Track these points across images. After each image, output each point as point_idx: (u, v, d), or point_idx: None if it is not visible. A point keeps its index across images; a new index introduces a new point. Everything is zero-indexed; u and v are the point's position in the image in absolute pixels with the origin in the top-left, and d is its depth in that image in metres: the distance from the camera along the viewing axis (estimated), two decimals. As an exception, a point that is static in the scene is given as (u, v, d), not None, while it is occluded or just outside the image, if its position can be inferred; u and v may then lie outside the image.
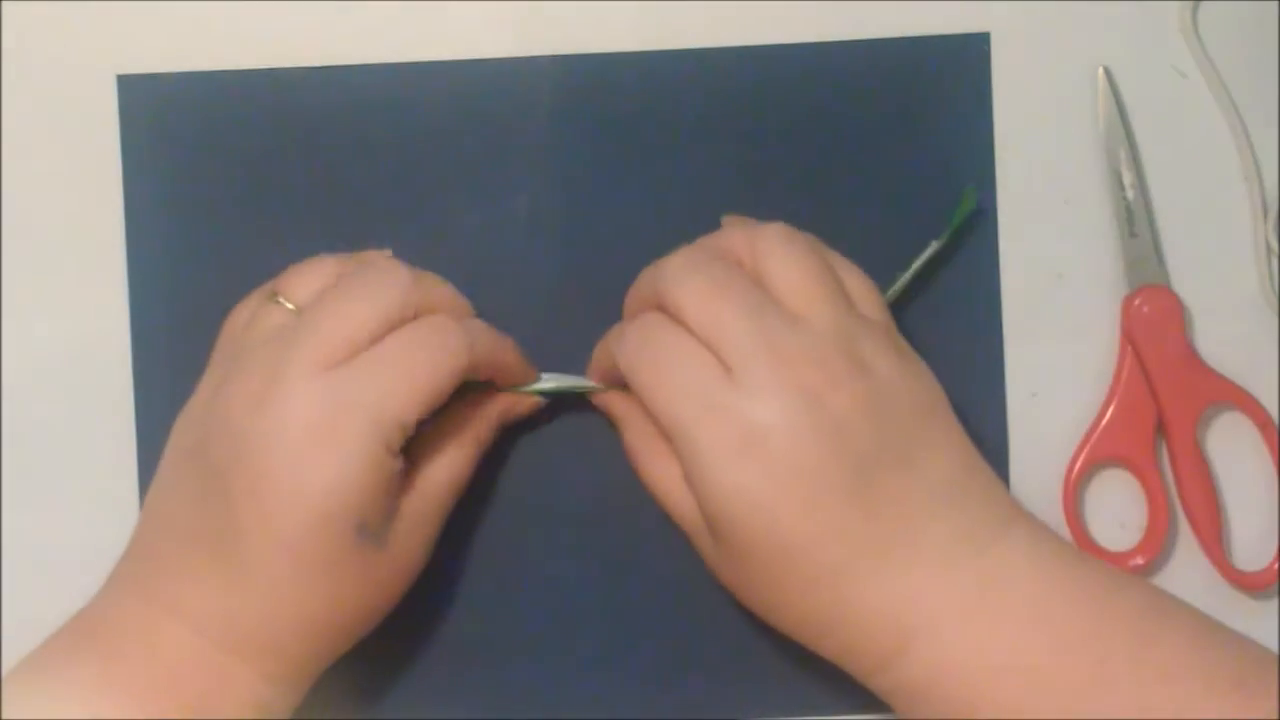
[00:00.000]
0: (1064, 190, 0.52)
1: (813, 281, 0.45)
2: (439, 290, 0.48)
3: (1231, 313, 0.51)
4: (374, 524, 0.44)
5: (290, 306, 0.47)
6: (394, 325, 0.45)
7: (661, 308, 0.46)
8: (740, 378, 0.43)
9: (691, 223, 0.50)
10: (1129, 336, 0.51)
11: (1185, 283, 0.51)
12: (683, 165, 0.52)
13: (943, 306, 0.51)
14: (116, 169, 0.52)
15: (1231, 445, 0.51)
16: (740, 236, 0.47)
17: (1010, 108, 0.51)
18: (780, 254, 0.46)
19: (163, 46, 0.52)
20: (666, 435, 0.45)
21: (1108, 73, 0.51)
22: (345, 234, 0.51)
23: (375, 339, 0.45)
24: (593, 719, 0.51)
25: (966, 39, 0.51)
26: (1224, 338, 0.51)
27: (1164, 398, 0.50)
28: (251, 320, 0.47)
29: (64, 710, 0.43)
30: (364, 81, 0.52)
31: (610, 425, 0.50)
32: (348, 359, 0.44)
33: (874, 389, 0.44)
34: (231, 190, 0.52)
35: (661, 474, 0.47)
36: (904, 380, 0.45)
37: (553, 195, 0.52)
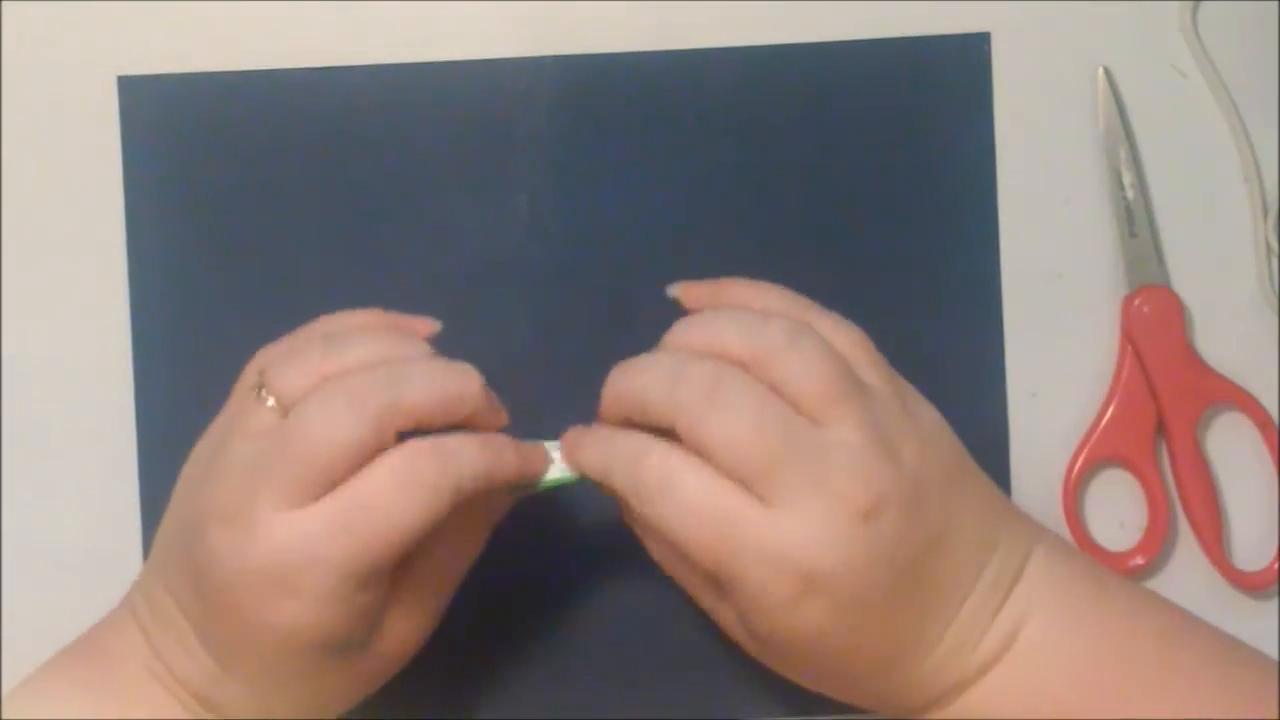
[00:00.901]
0: (1064, 190, 0.52)
1: (833, 383, 0.42)
2: (436, 400, 0.43)
3: (1231, 313, 0.51)
4: (353, 643, 0.43)
5: (272, 404, 0.43)
6: (381, 442, 0.42)
7: (673, 429, 0.42)
8: (785, 514, 0.41)
9: (692, 223, 0.51)
10: (1129, 336, 0.51)
11: (1185, 283, 0.51)
12: (683, 165, 0.52)
13: (943, 306, 0.51)
14: (117, 170, 0.52)
15: (1231, 445, 0.51)
16: (734, 336, 0.43)
17: (1011, 107, 0.51)
18: (791, 359, 0.42)
19: (164, 48, 0.52)
20: (710, 576, 0.43)
21: (1108, 73, 0.51)
22: (346, 235, 0.51)
23: (356, 466, 0.42)
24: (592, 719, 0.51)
25: (967, 39, 0.51)
26: (1224, 338, 0.51)
27: (1164, 398, 0.50)
28: (239, 412, 0.44)
29: None
30: (365, 82, 0.52)
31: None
32: (319, 493, 0.41)
33: (911, 485, 0.42)
34: (232, 191, 0.52)
35: (697, 591, 0.46)
36: (928, 452, 0.43)
37: (553, 195, 0.52)
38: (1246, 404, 0.51)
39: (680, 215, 0.51)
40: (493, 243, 0.52)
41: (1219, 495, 0.51)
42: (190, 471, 0.45)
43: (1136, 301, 0.51)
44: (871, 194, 0.51)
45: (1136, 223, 0.51)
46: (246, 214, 0.52)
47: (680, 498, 0.42)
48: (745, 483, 0.41)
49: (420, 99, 0.52)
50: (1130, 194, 0.51)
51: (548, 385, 0.51)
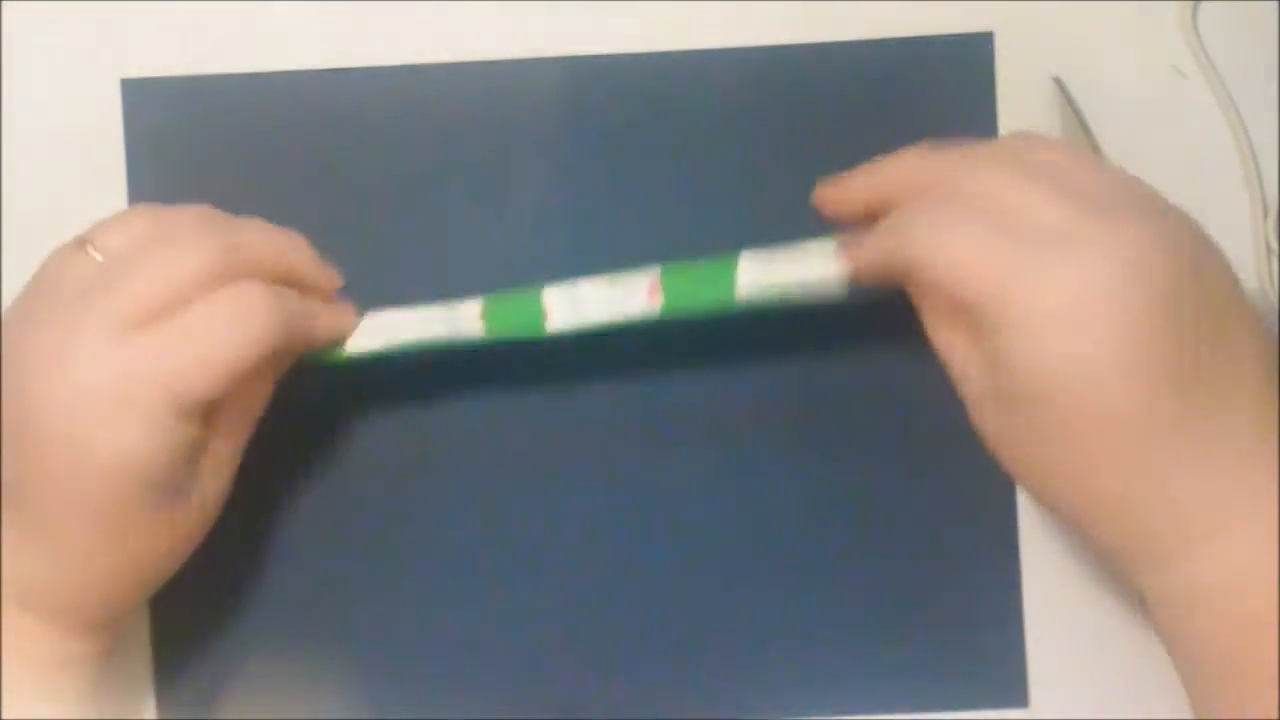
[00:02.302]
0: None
1: (1080, 159, 0.43)
2: (267, 251, 0.45)
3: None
4: (170, 484, 0.43)
5: (99, 258, 0.44)
6: (204, 288, 0.43)
7: (952, 188, 0.43)
8: (1061, 242, 0.40)
9: (696, 223, 0.51)
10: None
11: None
12: (687, 166, 0.52)
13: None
14: (121, 173, 0.52)
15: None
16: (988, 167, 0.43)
17: (1012, 107, 0.52)
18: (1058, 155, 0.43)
19: (167, 50, 0.52)
20: (969, 308, 0.41)
21: (1059, 84, 0.51)
22: (351, 237, 0.51)
23: (179, 303, 0.42)
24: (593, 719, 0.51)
25: (970, 39, 0.52)
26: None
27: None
28: (58, 265, 0.45)
29: None
30: (370, 84, 0.52)
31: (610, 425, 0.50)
32: (146, 324, 0.42)
33: (1186, 258, 0.41)
34: (237, 193, 0.51)
35: (948, 341, 0.44)
36: (1199, 250, 0.42)
37: (558, 197, 0.52)
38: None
39: (683, 216, 0.51)
40: (498, 245, 0.52)
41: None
42: None
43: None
44: (873, 195, 0.52)
45: None
46: (250, 216, 0.51)
47: (955, 227, 0.42)
48: (1029, 230, 0.41)
49: (425, 101, 0.52)
50: None
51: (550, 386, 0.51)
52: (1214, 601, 0.41)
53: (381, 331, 0.47)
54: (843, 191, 0.47)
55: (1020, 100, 0.52)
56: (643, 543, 0.51)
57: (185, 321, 0.42)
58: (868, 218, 0.45)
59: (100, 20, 0.52)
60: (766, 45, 0.52)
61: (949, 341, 0.44)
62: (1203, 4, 0.52)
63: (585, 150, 0.52)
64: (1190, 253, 0.41)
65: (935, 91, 0.52)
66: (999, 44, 0.52)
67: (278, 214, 0.51)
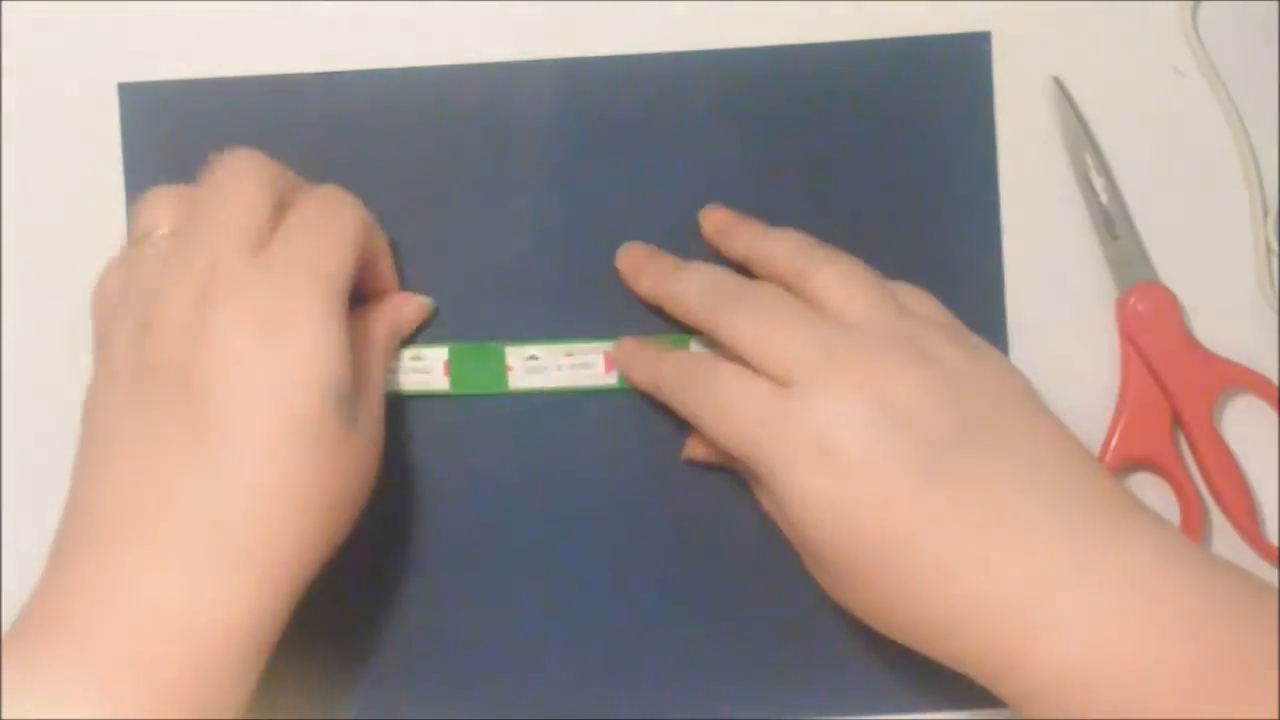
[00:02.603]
0: (1065, 190, 0.52)
1: (865, 291, 0.45)
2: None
3: (1230, 314, 0.51)
4: (347, 392, 0.44)
5: (163, 231, 0.45)
6: (286, 203, 0.45)
7: (702, 329, 0.47)
8: (801, 389, 0.43)
9: (694, 224, 0.51)
10: (1128, 336, 0.51)
11: (1184, 284, 0.51)
12: (684, 167, 0.52)
13: (945, 308, 0.51)
14: (118, 177, 0.52)
15: (1248, 427, 0.51)
16: (781, 254, 0.47)
17: (1012, 107, 0.51)
18: (828, 271, 0.46)
19: (164, 53, 0.52)
20: (749, 468, 0.45)
21: (1059, 83, 0.51)
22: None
23: (279, 217, 0.45)
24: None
25: (967, 38, 0.51)
26: (1223, 339, 0.51)
27: (1174, 391, 0.50)
28: (131, 269, 0.46)
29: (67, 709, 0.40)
30: (368, 87, 0.52)
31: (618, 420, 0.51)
32: (265, 239, 0.44)
33: (942, 375, 0.43)
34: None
35: (765, 503, 0.48)
36: (975, 367, 0.44)
37: (556, 199, 0.52)
38: (1258, 384, 0.50)
39: (682, 217, 0.51)
40: (496, 247, 0.51)
41: (1245, 479, 0.50)
42: (101, 394, 0.45)
43: (1131, 300, 0.51)
44: (872, 194, 0.51)
45: (1117, 225, 0.51)
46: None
47: (716, 388, 0.44)
48: (775, 375, 0.43)
49: (422, 103, 0.52)
50: (1104, 198, 0.51)
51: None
52: (1071, 701, 0.40)
53: None
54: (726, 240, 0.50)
55: (1018, 100, 0.51)
56: (644, 544, 0.51)
57: (298, 220, 0.45)
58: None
59: (97, 24, 0.52)
60: (765, 45, 0.52)
61: (763, 503, 0.48)
62: (1202, 4, 0.52)
63: (583, 152, 0.52)
64: (932, 370, 0.43)
65: (933, 91, 0.52)
66: (997, 44, 0.52)
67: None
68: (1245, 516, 0.50)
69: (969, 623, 0.41)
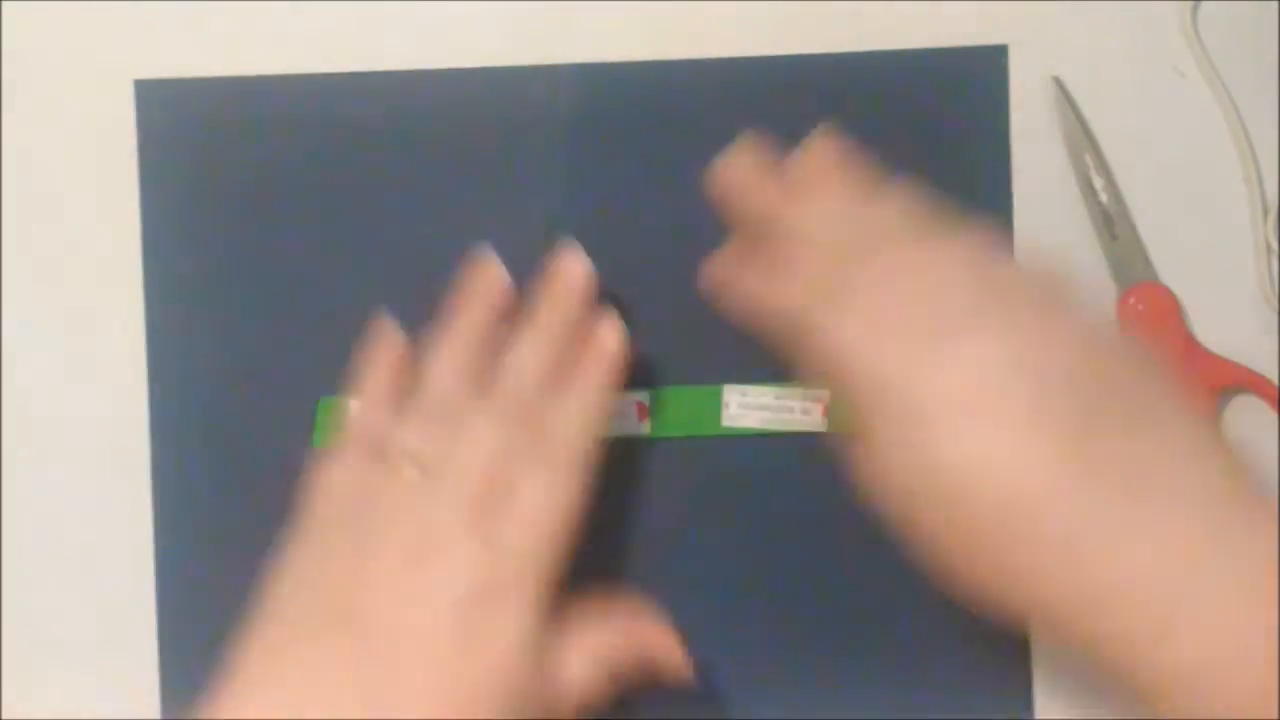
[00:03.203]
0: (1065, 190, 0.52)
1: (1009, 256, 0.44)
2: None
3: (1231, 314, 0.51)
4: (533, 704, 0.43)
5: (414, 472, 0.45)
6: (513, 462, 0.44)
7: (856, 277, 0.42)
8: (958, 328, 0.40)
9: (709, 234, 0.50)
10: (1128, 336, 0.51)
11: (1184, 284, 0.51)
12: (698, 175, 0.51)
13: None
14: (133, 174, 0.52)
15: (1249, 428, 0.51)
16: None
17: (1012, 107, 0.52)
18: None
19: (181, 51, 0.52)
20: (876, 403, 0.41)
21: (1058, 83, 0.51)
22: (362, 240, 0.52)
23: (509, 475, 0.44)
24: None
25: (983, 51, 0.52)
26: (1224, 339, 0.51)
27: (1176, 392, 0.50)
28: (366, 480, 0.45)
29: None
30: (385, 88, 0.52)
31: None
32: (491, 506, 0.43)
33: (1095, 336, 0.41)
34: (249, 196, 0.52)
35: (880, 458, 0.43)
36: (1121, 337, 0.43)
37: (570, 205, 0.52)
38: (1258, 384, 0.50)
39: (697, 225, 0.51)
40: (508, 251, 0.51)
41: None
42: (300, 589, 0.44)
43: (1131, 300, 0.51)
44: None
45: (1117, 225, 0.51)
46: (263, 219, 0.52)
47: (861, 310, 0.41)
48: (931, 312, 0.41)
49: (436, 106, 0.52)
50: (1104, 198, 0.51)
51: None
52: (1218, 684, 0.38)
53: None
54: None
55: (1017, 100, 0.52)
56: (647, 548, 0.51)
57: (527, 503, 0.44)
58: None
59: (114, 21, 0.52)
60: (780, 55, 0.52)
61: (874, 459, 0.42)
62: (1202, 4, 0.52)
63: (594, 158, 0.52)
64: (1086, 339, 0.41)
65: (948, 103, 0.52)
66: (1013, 55, 0.52)
67: (288, 215, 0.52)
68: (1242, 515, 0.50)
69: (1113, 598, 0.38)
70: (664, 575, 0.49)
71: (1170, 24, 0.52)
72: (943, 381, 0.39)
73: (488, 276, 0.48)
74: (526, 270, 0.51)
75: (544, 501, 0.44)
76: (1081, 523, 0.38)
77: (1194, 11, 0.52)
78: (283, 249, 0.52)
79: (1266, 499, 0.40)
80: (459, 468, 0.44)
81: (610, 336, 0.47)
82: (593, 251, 0.51)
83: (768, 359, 0.49)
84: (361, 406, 0.47)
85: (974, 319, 0.40)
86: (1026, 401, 0.39)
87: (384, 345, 0.48)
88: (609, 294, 0.51)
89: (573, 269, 0.48)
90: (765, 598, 0.51)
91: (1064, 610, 0.39)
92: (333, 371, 0.50)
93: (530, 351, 0.46)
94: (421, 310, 0.49)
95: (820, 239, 0.44)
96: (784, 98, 0.52)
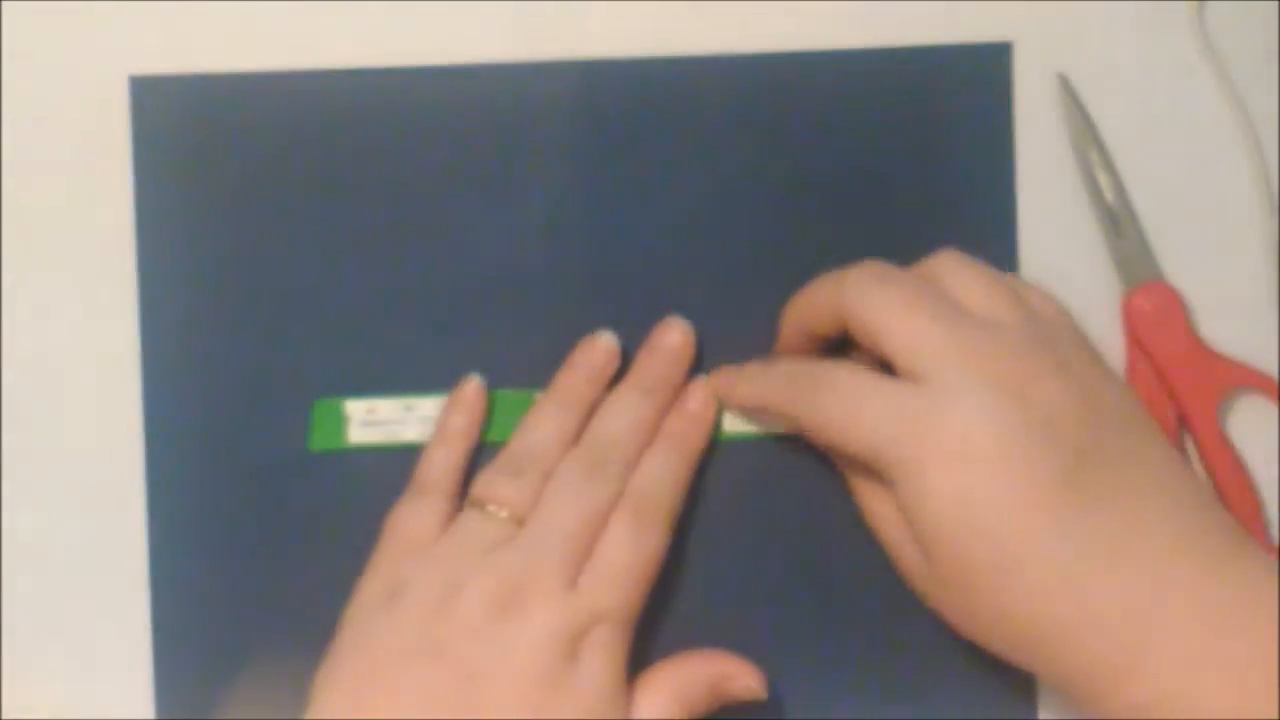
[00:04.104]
0: (1071, 188, 0.52)
1: (997, 291, 0.45)
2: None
3: (1237, 314, 0.51)
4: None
5: (505, 515, 0.46)
6: (604, 515, 0.46)
7: (848, 321, 0.45)
8: (937, 385, 0.42)
9: (710, 230, 0.50)
10: (1134, 335, 0.51)
11: (1189, 283, 0.51)
12: (701, 172, 0.51)
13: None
14: (127, 171, 0.51)
15: (1254, 428, 0.51)
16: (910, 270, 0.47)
17: (1017, 104, 0.51)
18: (958, 270, 0.46)
19: (176, 47, 0.52)
20: (874, 468, 0.44)
21: (1064, 80, 0.51)
22: (360, 239, 0.51)
23: (597, 528, 0.45)
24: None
25: (988, 49, 0.51)
26: (1229, 339, 0.51)
27: (1180, 391, 0.50)
28: (452, 528, 0.46)
29: None
30: (383, 85, 0.51)
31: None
32: (579, 558, 0.45)
33: (1078, 384, 0.43)
34: (245, 194, 0.51)
35: (870, 508, 0.47)
36: (1103, 381, 0.44)
37: (571, 202, 0.51)
38: (1264, 384, 0.50)
39: (698, 223, 0.51)
40: (509, 249, 0.51)
41: (1251, 478, 0.50)
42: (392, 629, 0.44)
43: (1136, 299, 0.51)
44: (889, 201, 0.51)
45: (1122, 223, 0.51)
46: (259, 216, 0.51)
47: (835, 388, 0.44)
48: (911, 370, 0.43)
49: (435, 103, 0.52)
50: (1109, 196, 0.51)
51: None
52: (1177, 714, 0.40)
53: (382, 428, 0.50)
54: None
55: (1023, 98, 0.51)
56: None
57: (612, 558, 0.45)
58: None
59: (108, 17, 0.52)
60: (783, 51, 0.51)
61: (871, 509, 0.47)
62: (1210, 3, 0.52)
63: (596, 155, 0.51)
64: (1068, 378, 0.43)
65: (952, 100, 0.51)
66: (1017, 52, 0.51)
67: (285, 213, 0.51)
68: (1250, 516, 0.50)
69: (1084, 634, 0.41)
70: (664, 577, 0.49)
71: (1177, 21, 0.52)
72: (928, 433, 0.42)
73: (597, 347, 0.49)
74: (526, 269, 0.51)
75: (630, 558, 0.45)
76: (1054, 564, 0.41)
77: (1201, 10, 0.52)
78: (279, 247, 0.51)
79: (1234, 536, 0.43)
80: (549, 516, 0.45)
81: (699, 402, 0.49)
82: (593, 250, 0.51)
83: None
84: (445, 453, 0.49)
85: (958, 370, 0.43)
86: (1004, 449, 0.41)
87: (469, 395, 0.49)
88: (609, 294, 0.51)
89: (674, 338, 0.49)
90: (766, 599, 0.51)
91: (1038, 644, 0.42)
92: (329, 373, 0.50)
93: (624, 409, 0.48)
94: (421, 309, 0.48)
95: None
96: (788, 94, 0.51)
